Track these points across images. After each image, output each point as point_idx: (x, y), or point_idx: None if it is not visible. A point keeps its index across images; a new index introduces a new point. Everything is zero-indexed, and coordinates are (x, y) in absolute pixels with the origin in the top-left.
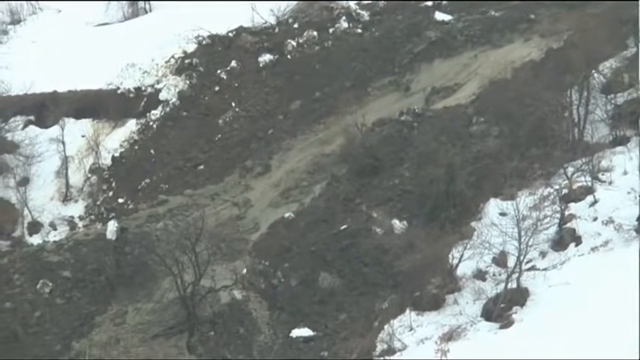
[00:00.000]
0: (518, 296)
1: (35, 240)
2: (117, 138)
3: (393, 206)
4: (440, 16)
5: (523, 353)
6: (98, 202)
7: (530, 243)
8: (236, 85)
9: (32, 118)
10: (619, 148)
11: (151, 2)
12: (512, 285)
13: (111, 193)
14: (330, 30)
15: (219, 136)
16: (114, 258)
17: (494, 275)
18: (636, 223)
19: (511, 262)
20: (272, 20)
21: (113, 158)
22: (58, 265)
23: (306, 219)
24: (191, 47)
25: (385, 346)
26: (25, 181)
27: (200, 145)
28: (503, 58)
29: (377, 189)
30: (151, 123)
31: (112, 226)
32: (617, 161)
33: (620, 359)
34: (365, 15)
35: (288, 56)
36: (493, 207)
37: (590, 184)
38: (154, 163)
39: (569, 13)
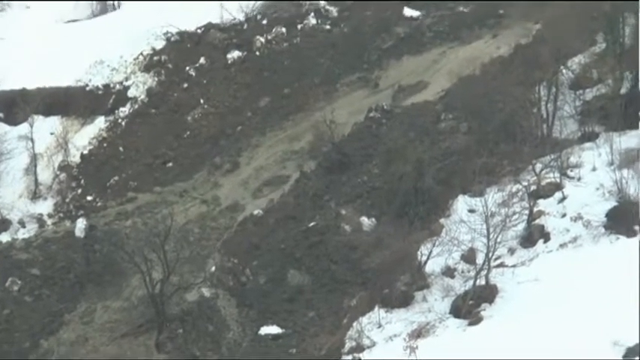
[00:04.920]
0: (487, 293)
1: (4, 238)
2: (86, 135)
3: (361, 203)
4: (408, 12)
5: (492, 350)
6: (67, 200)
7: (498, 240)
8: (205, 81)
9: (1, 115)
10: (587, 144)
11: None
12: (481, 282)
13: (80, 191)
14: (299, 26)
15: (188, 132)
16: (83, 255)
17: (462, 272)
18: (605, 219)
19: (480, 258)
20: (241, 17)
21: (82, 156)
22: (26, 262)
23: (275, 216)
24: (160, 44)
25: (354, 343)
26: None
27: (169, 142)
28: (472, 54)
29: (346, 186)
30: (120, 120)
31: (80, 224)
32: (585, 157)
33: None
34: (333, 11)
35: (257, 53)
36: (462, 204)
37: (558, 180)
38: (123, 161)
39: (539, 8)
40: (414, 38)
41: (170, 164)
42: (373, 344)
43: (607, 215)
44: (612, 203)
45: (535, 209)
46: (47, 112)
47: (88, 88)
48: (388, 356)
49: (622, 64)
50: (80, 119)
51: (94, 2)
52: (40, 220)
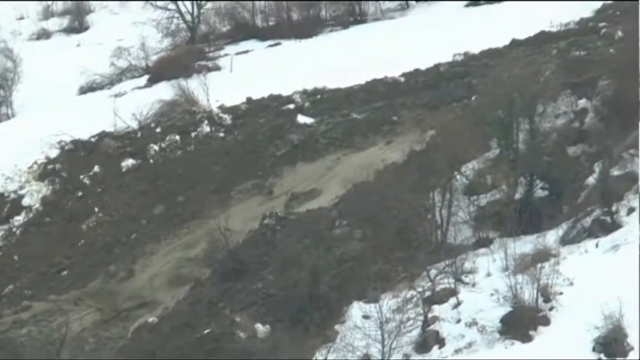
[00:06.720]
0: None
1: None
2: None
3: (256, 310)
4: (302, 119)
5: None
6: None
7: (393, 346)
8: (99, 190)
9: None
10: (482, 250)
11: (14, 107)
12: None
13: None
14: (193, 134)
15: (83, 241)
16: None
17: None
18: (500, 324)
19: None
20: (134, 125)
21: None
22: None
23: (170, 323)
24: (54, 153)
25: None
26: None
27: (64, 251)
28: (366, 161)
29: (241, 293)
30: (14, 229)
31: None
32: (480, 263)
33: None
34: (227, 119)
35: (151, 161)
36: (357, 310)
37: (453, 286)
38: (18, 269)
39: (433, 115)
40: (308, 145)
41: (65, 273)
42: None
43: (502, 321)
44: (507, 309)
45: (430, 315)
46: None
47: None
48: None
49: (516, 169)
50: None
51: None
52: None
